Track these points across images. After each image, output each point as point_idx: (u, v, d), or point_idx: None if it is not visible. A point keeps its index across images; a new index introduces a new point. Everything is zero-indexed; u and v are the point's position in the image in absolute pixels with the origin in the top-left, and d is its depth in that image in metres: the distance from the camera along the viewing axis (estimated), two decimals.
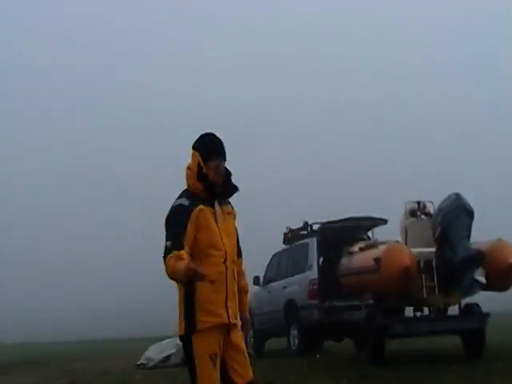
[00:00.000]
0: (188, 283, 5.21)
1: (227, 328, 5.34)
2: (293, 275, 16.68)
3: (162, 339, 16.05)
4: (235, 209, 5.64)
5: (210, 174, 5.34)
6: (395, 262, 11.67)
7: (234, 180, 5.56)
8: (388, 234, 16.17)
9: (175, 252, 5.10)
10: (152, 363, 14.74)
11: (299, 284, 16.14)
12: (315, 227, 16.95)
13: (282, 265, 17.63)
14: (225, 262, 5.35)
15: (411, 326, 12.07)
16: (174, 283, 5.35)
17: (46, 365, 18.78)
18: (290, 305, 16.19)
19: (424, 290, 11.73)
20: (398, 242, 13.05)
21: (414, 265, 11.66)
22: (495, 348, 13.45)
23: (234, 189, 5.54)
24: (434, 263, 11.89)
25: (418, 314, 13.01)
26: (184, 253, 5.13)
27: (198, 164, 5.35)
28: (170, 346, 14.83)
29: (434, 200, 14.08)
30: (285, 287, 16.72)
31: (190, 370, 5.26)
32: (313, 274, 15.87)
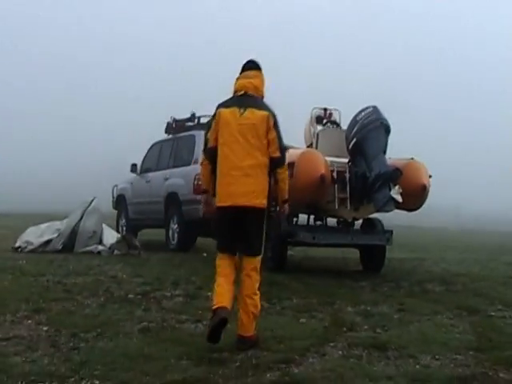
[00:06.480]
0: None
1: None
2: (176, 167, 15.83)
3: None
4: None
5: None
6: (311, 168, 11.18)
7: None
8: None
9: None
10: (31, 247, 13.43)
11: (183, 177, 15.26)
12: (203, 120, 16.09)
13: (164, 155, 16.66)
14: None
15: (317, 235, 11.70)
16: None
17: None
18: (172, 198, 15.38)
19: (336, 201, 11.42)
20: (311, 147, 12.59)
21: (328, 174, 11.26)
22: (393, 266, 13.59)
23: None
24: (346, 175, 11.57)
25: (318, 223, 12.82)
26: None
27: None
28: (50, 231, 13.59)
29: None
30: (166, 179, 15.85)
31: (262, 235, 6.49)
32: (198, 168, 15.08)
